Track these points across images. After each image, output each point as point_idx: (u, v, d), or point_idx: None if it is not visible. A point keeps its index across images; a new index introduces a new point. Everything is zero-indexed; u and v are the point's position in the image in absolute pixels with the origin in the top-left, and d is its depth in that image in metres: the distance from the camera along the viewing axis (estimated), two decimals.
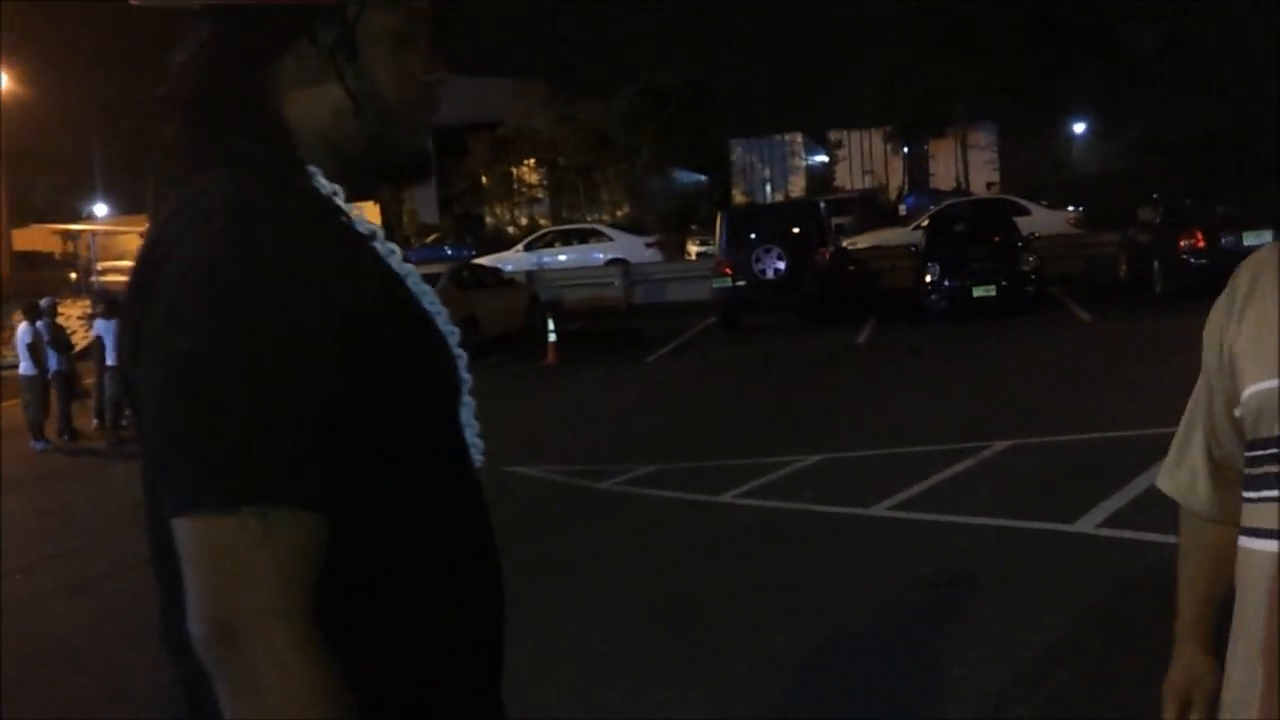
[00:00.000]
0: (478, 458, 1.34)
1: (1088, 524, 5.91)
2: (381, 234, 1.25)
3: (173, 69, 1.23)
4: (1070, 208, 25.07)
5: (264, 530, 1.03)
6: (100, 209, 42.91)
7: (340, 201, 1.22)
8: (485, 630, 1.27)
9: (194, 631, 1.04)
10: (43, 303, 13.27)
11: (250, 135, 1.18)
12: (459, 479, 1.27)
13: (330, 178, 1.23)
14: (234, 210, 1.11)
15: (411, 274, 1.27)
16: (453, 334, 1.31)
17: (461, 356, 1.31)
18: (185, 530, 1.05)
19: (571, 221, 36.15)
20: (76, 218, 37.86)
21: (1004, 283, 15.94)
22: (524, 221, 45.58)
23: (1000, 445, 7.94)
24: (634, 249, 25.92)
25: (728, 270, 17.27)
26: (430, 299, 1.28)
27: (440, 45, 1.31)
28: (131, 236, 29.08)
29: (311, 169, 1.21)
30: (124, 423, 12.33)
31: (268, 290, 1.06)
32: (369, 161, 1.28)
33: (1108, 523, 5.87)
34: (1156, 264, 16.36)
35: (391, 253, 1.25)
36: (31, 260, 31.19)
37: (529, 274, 23.02)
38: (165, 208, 1.17)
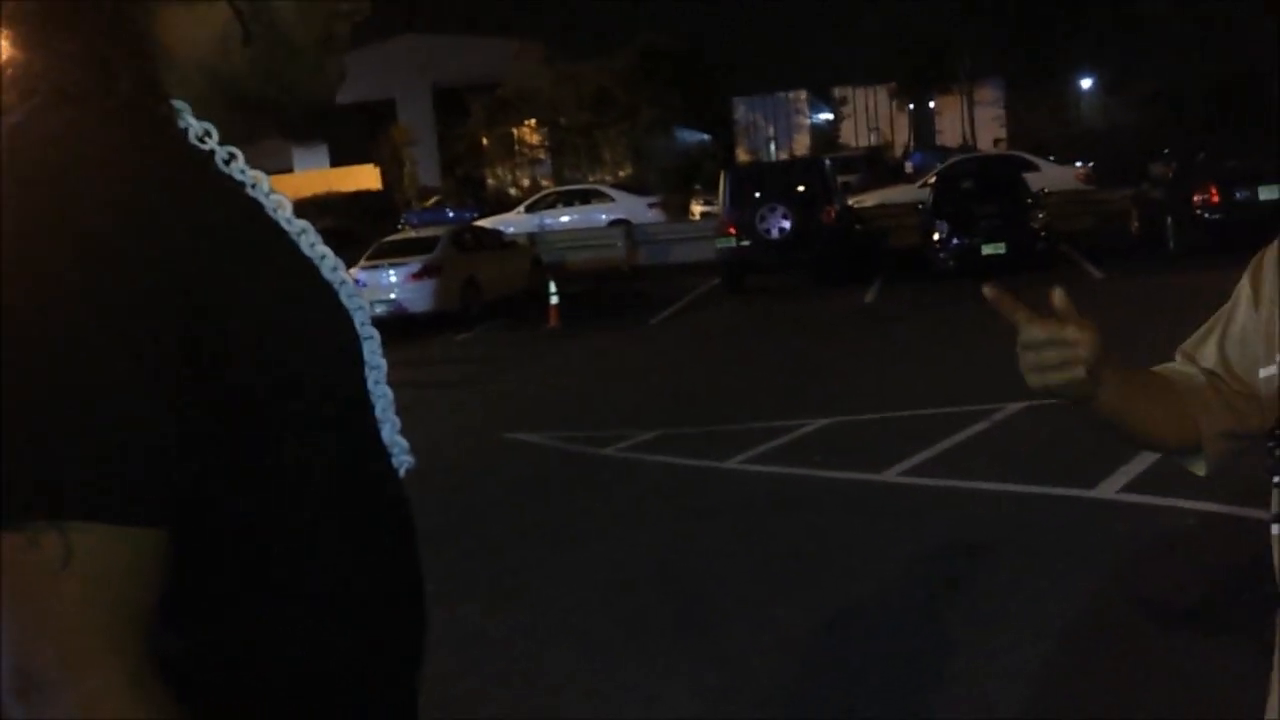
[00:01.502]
0: (402, 459, 1.13)
1: (1108, 489, 5.70)
2: (266, 184, 1.02)
3: None
4: (1079, 163, 24.69)
5: (65, 552, 0.82)
6: None
7: (213, 143, 0.99)
8: (394, 628, 1.07)
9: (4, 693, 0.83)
10: None
11: (95, 60, 0.95)
12: (364, 482, 1.05)
13: (210, 116, 1.00)
14: (21, 150, 0.89)
15: (306, 231, 1.04)
16: (361, 310, 1.08)
17: (373, 337, 1.09)
18: None
19: (573, 182, 35.85)
20: None
21: (1013, 240, 15.68)
22: (526, 183, 45.21)
23: (1014, 407, 7.71)
24: (637, 209, 25.68)
25: (732, 230, 17.01)
26: (331, 266, 1.05)
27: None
28: None
29: (179, 104, 0.99)
30: None
31: (87, 266, 0.85)
32: (258, 100, 1.05)
33: (1129, 487, 5.66)
34: (1169, 220, 16.06)
35: (279, 207, 1.03)
36: None
37: (531, 236, 22.75)
38: None
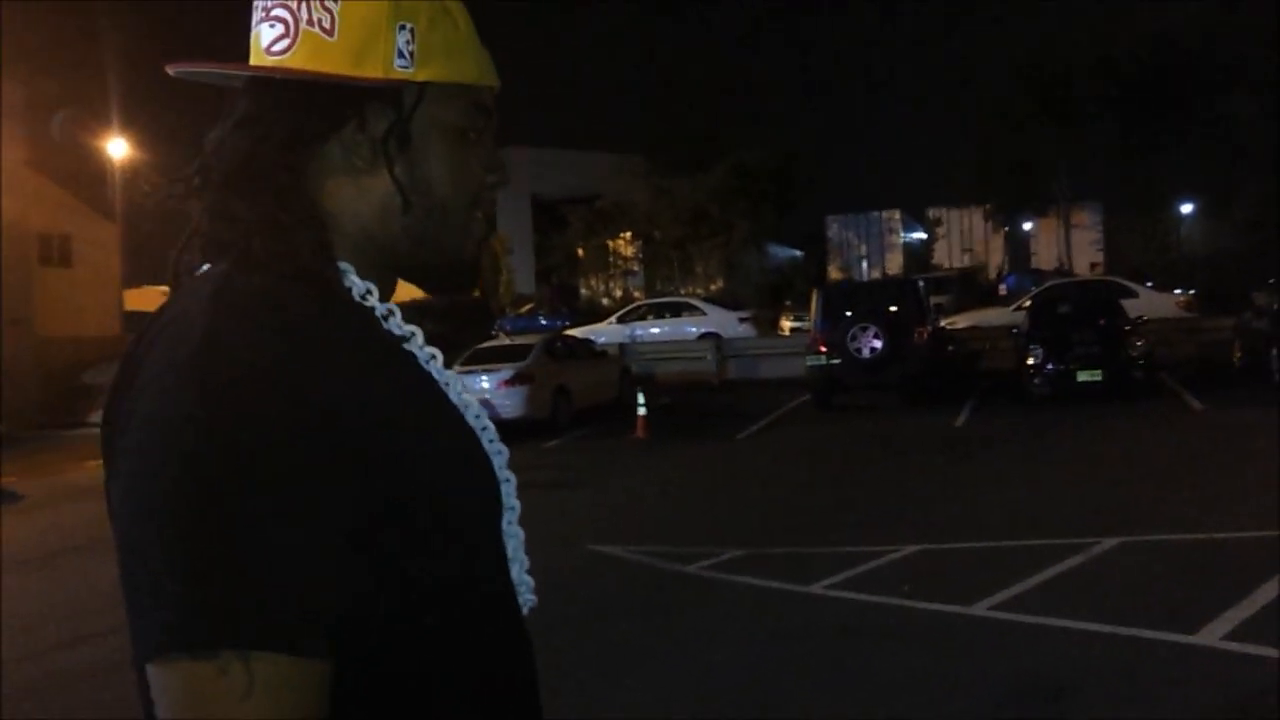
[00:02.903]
0: (527, 598, 1.18)
1: (1210, 635, 5.48)
2: (421, 337, 1.11)
3: (207, 145, 1.10)
4: (1179, 290, 24.28)
5: (249, 680, 0.86)
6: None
7: (374, 301, 1.09)
8: None
9: None
10: None
11: (274, 228, 1.05)
12: (492, 617, 1.10)
13: (368, 276, 1.10)
14: (223, 306, 0.98)
15: (454, 383, 1.13)
16: (500, 455, 1.16)
17: (509, 480, 1.16)
18: (158, 679, 0.88)
19: (665, 294, 36.24)
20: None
21: (1110, 367, 15.41)
22: (619, 293, 45.87)
23: (1110, 542, 7.51)
24: (727, 323, 25.80)
25: (823, 347, 17.00)
26: (475, 413, 1.14)
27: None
28: None
29: (344, 265, 1.09)
30: None
31: (254, 398, 0.92)
32: (412, 263, 1.15)
33: (1234, 635, 5.43)
34: (1275, 351, 15.65)
35: (432, 358, 1.12)
36: (142, 320, 32.22)
37: (621, 346, 23.00)
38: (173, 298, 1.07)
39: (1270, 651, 5.14)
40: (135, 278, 34.28)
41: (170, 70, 1.10)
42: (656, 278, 46.93)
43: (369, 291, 1.09)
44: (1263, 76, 36.84)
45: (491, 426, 1.17)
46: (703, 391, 20.99)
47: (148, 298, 34.17)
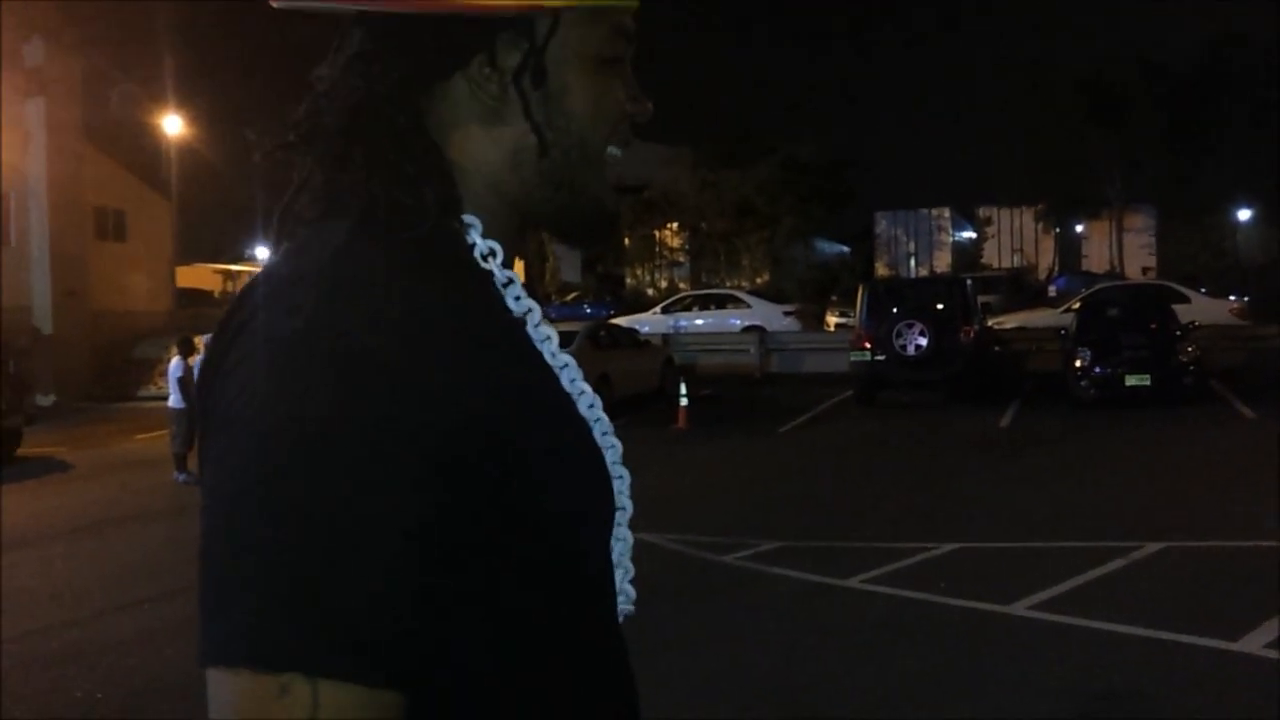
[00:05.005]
0: (625, 608, 1.06)
1: (1253, 643, 5.41)
2: (538, 314, 0.99)
3: (317, 86, 0.98)
4: (1232, 296, 23.89)
5: (312, 705, 0.77)
6: (261, 251, 44.90)
7: (496, 265, 0.97)
8: None
9: None
10: (200, 339, 13.78)
11: (396, 179, 0.93)
12: (596, 636, 0.98)
13: (495, 232, 0.98)
14: (338, 283, 0.86)
15: (568, 366, 1.01)
16: (613, 449, 1.02)
17: (622, 477, 1.03)
18: (216, 684, 0.80)
19: (711, 286, 36.19)
20: (239, 259, 39.68)
21: (1159, 372, 15.20)
22: (664, 284, 45.86)
23: (1153, 547, 7.42)
24: (772, 317, 25.74)
25: (867, 343, 16.91)
26: (589, 402, 1.01)
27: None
28: None
29: (469, 219, 0.97)
30: None
31: (354, 387, 0.81)
32: (548, 210, 1.02)
33: (1275, 643, 5.36)
34: None
35: (547, 339, 0.99)
36: (193, 297, 32.81)
37: (665, 337, 23.00)
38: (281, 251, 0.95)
39: None
40: (187, 254, 34.83)
41: (273, 1, 0.97)
42: (702, 269, 46.87)
43: (492, 253, 0.97)
44: None
45: (605, 418, 1.02)
46: (745, 384, 20.95)
47: (199, 275, 34.71)
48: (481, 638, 0.87)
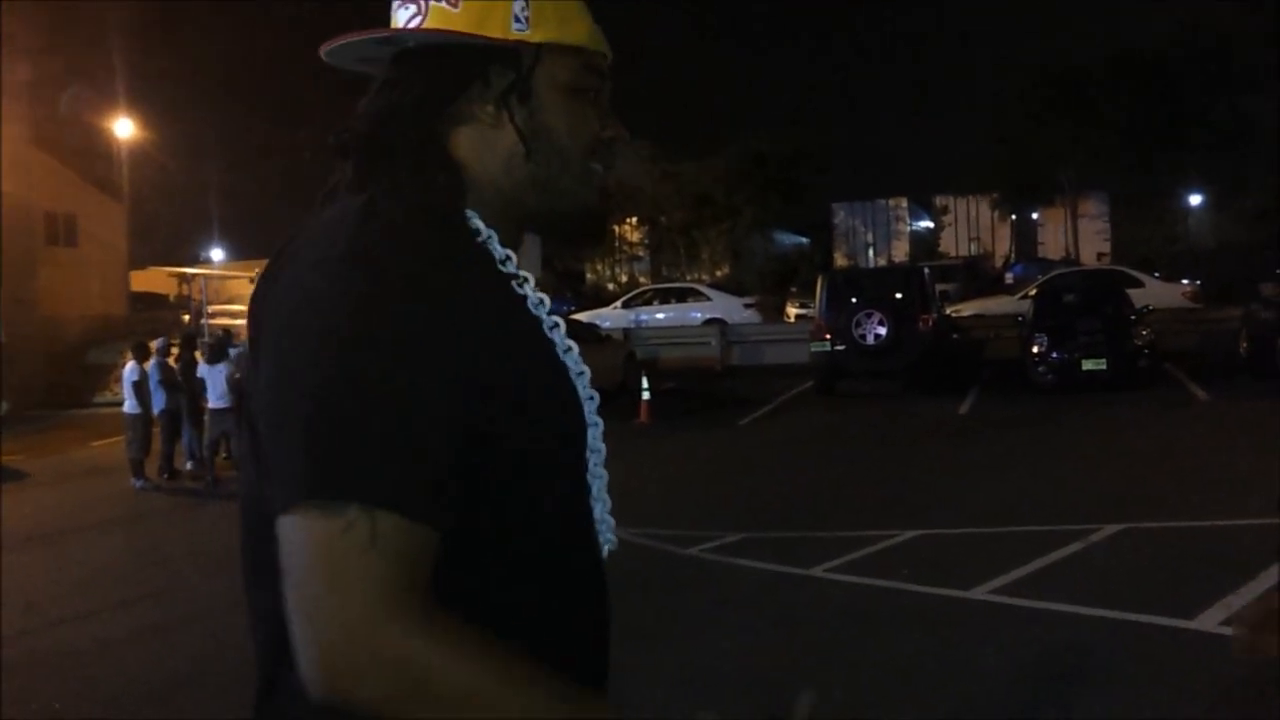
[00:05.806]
0: (608, 537, 1.30)
1: (1209, 621, 5.50)
2: (533, 284, 1.23)
3: (353, 115, 1.25)
4: (1186, 281, 24.23)
5: (371, 535, 0.97)
6: (216, 253, 44.39)
7: (494, 244, 1.21)
8: (583, 660, 1.27)
9: (306, 672, 0.97)
10: (155, 343, 13.61)
11: (412, 168, 1.19)
12: (575, 545, 1.23)
13: (493, 224, 1.22)
14: (369, 221, 1.11)
15: (558, 326, 1.24)
16: (591, 400, 1.26)
17: (597, 425, 1.27)
18: (287, 529, 0.99)
19: (671, 280, 36.20)
20: (194, 261, 39.19)
21: (1115, 356, 15.37)
22: (624, 279, 45.81)
23: (1110, 529, 7.52)
24: (732, 309, 25.78)
25: (827, 334, 16.99)
26: (575, 358, 1.25)
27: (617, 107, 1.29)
28: (243, 281, 29.97)
29: (470, 212, 1.22)
30: (225, 456, 12.56)
31: (396, 290, 1.05)
32: (539, 210, 1.27)
33: (1230, 620, 5.45)
34: None
35: (540, 303, 1.23)
36: (148, 301, 32.34)
37: (626, 331, 22.98)
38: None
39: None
40: (141, 258, 34.35)
41: (323, 53, 1.26)
42: (662, 263, 46.88)
43: (489, 236, 1.21)
44: (1276, 71, 36.62)
45: (588, 372, 1.26)
46: (707, 377, 21.00)
47: (154, 278, 34.19)
48: (491, 498, 1.11)
